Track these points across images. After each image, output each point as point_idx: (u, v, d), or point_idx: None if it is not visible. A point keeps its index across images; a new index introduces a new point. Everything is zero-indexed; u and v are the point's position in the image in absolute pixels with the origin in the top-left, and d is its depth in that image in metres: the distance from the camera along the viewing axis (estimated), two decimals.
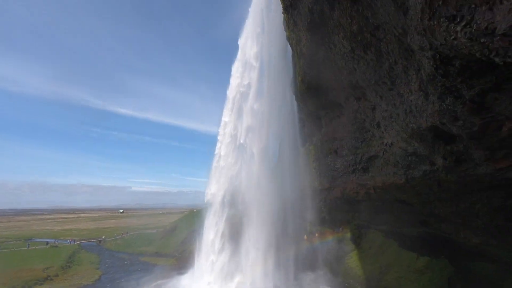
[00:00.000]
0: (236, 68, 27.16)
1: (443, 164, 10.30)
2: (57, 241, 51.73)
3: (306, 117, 22.79)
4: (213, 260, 22.25)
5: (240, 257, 21.68)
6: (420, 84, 8.06)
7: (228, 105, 26.93)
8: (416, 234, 19.66)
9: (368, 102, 12.73)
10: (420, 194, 14.02)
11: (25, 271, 26.54)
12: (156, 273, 26.51)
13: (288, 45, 19.43)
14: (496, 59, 5.11)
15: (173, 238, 44.25)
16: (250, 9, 27.63)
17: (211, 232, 23.55)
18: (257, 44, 25.67)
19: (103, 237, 59.56)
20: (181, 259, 31.91)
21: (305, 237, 25.48)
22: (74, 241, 53.82)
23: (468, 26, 4.95)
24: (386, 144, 13.14)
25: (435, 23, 5.64)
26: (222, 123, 27.04)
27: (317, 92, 17.59)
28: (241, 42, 27.81)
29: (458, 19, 5.10)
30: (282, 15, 17.16)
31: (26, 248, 41.93)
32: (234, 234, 22.67)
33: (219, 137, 26.92)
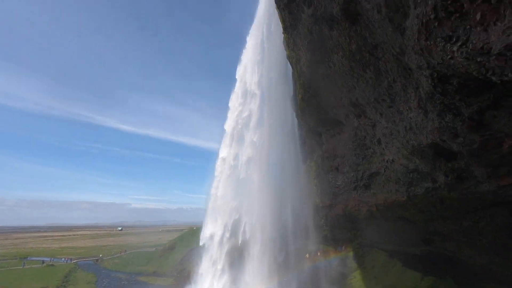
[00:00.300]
0: (234, 101, 26.59)
1: (445, 181, 10.24)
2: (53, 260, 50.70)
3: (306, 134, 22.90)
4: (214, 282, 21.70)
5: (243, 277, 21.17)
6: (419, 102, 8.15)
7: (226, 141, 26.00)
8: (420, 253, 19.22)
9: (368, 119, 12.82)
10: (423, 211, 13.84)
11: None
12: None
13: (288, 63, 19.83)
14: (493, 78, 5.21)
15: (172, 256, 43.42)
16: (248, 38, 27.56)
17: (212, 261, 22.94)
18: (257, 72, 25.35)
19: (101, 255, 58.42)
20: (179, 279, 31.18)
21: (307, 255, 24.96)
22: (71, 259, 52.74)
23: (464, 46, 5.08)
24: (387, 161, 13.12)
25: (431, 43, 5.79)
26: (220, 159, 26.02)
27: (317, 110, 17.77)
28: (239, 73, 27.31)
29: (454, 39, 5.24)
30: (282, 36, 17.60)
31: (21, 267, 41.01)
32: (236, 256, 22.23)
33: (216, 173, 25.85)
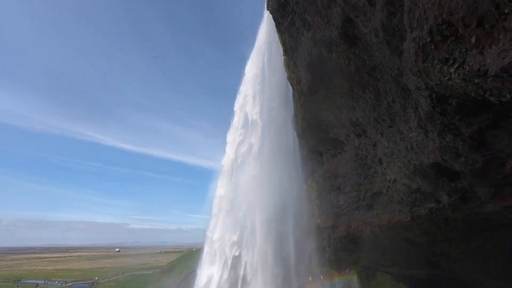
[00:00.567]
0: (233, 134, 25.97)
1: (448, 201, 10.10)
2: (47, 283, 49.22)
3: (307, 153, 22.88)
4: None
5: None
6: (419, 122, 8.22)
7: (224, 177, 25.03)
8: (426, 277, 18.59)
9: (369, 139, 12.86)
10: (428, 233, 13.55)
11: None
12: None
13: (289, 85, 20.17)
14: (491, 99, 5.28)
15: (170, 279, 42.11)
16: (246, 69, 27.45)
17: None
18: (259, 101, 24.77)
19: (96, 278, 56.74)
20: None
21: (310, 279, 24.15)
22: (66, 282, 51.17)
23: (461, 68, 5.19)
24: (389, 181, 13.01)
25: (429, 65, 5.92)
26: (217, 196, 25.03)
27: (318, 129, 17.87)
28: (237, 105, 26.73)
29: (451, 62, 5.37)
30: (283, 59, 17.95)
31: None
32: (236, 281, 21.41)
33: (213, 211, 24.69)
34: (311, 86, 14.81)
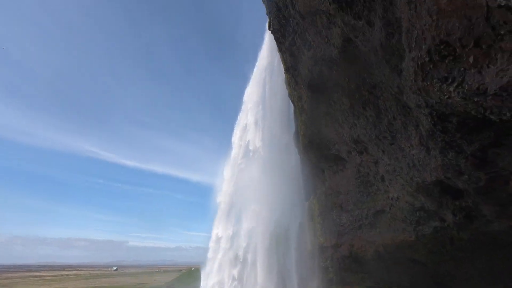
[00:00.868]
0: (231, 170, 24.96)
1: (453, 220, 9.92)
2: None
3: (309, 170, 22.76)
4: None
5: None
6: (420, 139, 8.22)
7: (221, 217, 23.76)
8: None
9: (370, 156, 12.83)
10: (433, 252, 13.22)
11: None
12: None
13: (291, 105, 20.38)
14: (492, 117, 5.30)
15: None
16: (244, 98, 27.03)
17: None
18: (261, 128, 24.04)
19: None
20: None
21: None
22: None
23: (460, 86, 5.25)
24: (392, 199, 12.86)
25: (428, 83, 6.00)
26: (213, 238, 23.63)
27: (319, 146, 17.88)
28: (236, 137, 25.78)
29: (450, 80, 5.44)
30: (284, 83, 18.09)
31: None
32: None
33: (209, 254, 23.08)
34: (311, 103, 14.96)
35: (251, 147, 24.22)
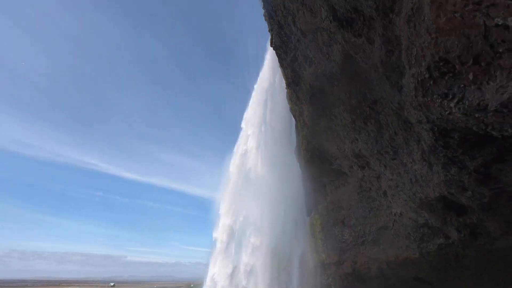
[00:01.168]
0: (228, 204, 23.83)
1: (458, 237, 9.74)
2: None
3: (310, 185, 22.61)
4: None
5: None
6: (422, 154, 8.20)
7: (218, 255, 22.57)
8: None
9: (372, 170, 12.78)
10: (438, 270, 12.89)
11: None
12: None
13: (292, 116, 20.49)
14: (493, 133, 5.31)
15: None
16: (242, 124, 26.53)
17: None
18: (263, 152, 22.86)
19: None
20: None
21: None
22: None
23: (461, 102, 5.29)
24: (395, 214, 12.69)
25: (428, 99, 6.05)
26: (209, 279, 22.42)
27: (321, 160, 17.84)
28: (234, 165, 24.66)
29: (450, 97, 5.49)
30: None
31: None
32: None
33: None
34: (313, 118, 15.05)
35: (252, 176, 23.20)
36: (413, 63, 6.02)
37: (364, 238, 16.38)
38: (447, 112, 5.72)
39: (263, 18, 16.37)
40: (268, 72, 25.41)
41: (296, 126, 21.54)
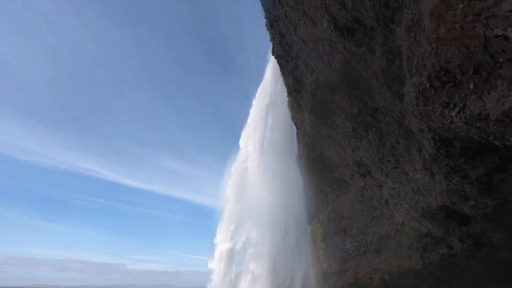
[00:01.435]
0: (226, 232, 23.36)
1: (461, 247, 9.62)
2: None
3: (312, 192, 22.49)
4: None
5: None
6: (424, 163, 8.17)
7: (220, 259, 22.40)
8: None
9: (374, 179, 12.71)
10: (441, 281, 12.70)
11: None
12: None
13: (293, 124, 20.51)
14: (495, 142, 5.30)
15: None
16: (240, 142, 26.42)
17: None
18: (265, 176, 22.31)
19: None
20: None
21: None
22: None
23: (462, 112, 5.30)
24: (397, 224, 12.56)
25: (430, 108, 6.06)
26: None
27: (322, 168, 17.78)
28: (229, 192, 24.41)
29: (452, 106, 5.50)
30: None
31: None
32: None
33: None
34: (314, 126, 15.07)
35: (252, 198, 22.58)
36: (414, 72, 6.06)
37: (366, 248, 16.19)
38: (448, 121, 5.72)
39: (265, 27, 16.56)
40: (269, 86, 25.29)
41: (298, 134, 21.55)
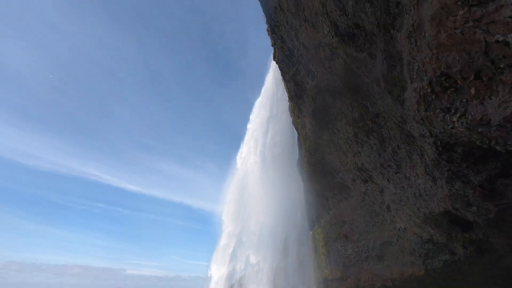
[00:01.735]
0: (223, 257, 23.00)
1: (464, 253, 9.52)
2: None
3: (313, 198, 22.38)
4: None
5: None
6: (426, 169, 8.14)
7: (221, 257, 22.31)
8: None
9: (375, 184, 12.65)
10: None
11: None
12: None
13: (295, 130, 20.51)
14: (497, 147, 5.28)
15: None
16: (237, 162, 26.28)
17: None
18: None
19: None
20: None
21: None
22: None
23: (464, 117, 5.30)
24: (399, 229, 12.47)
25: (431, 113, 6.06)
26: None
27: (323, 173, 17.73)
28: (227, 217, 24.01)
29: (453, 111, 5.50)
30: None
31: None
32: None
33: None
34: (315, 131, 15.07)
35: (253, 228, 22.10)
36: (415, 77, 6.07)
37: (368, 254, 16.05)
38: (450, 126, 5.71)
39: (267, 33, 16.67)
40: (268, 100, 25.10)
41: (299, 139, 21.54)
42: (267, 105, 25.10)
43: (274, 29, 14.40)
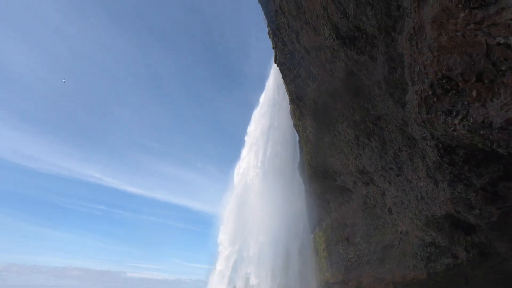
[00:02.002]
0: (222, 268, 22.92)
1: (466, 257, 9.45)
2: None
3: (314, 201, 22.34)
4: None
5: None
6: (428, 171, 8.11)
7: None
8: None
9: (376, 187, 12.62)
10: None
11: None
12: None
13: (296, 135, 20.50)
14: (500, 150, 5.26)
15: None
16: (236, 176, 26.16)
17: None
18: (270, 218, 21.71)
19: None
20: None
21: None
22: None
23: (465, 119, 5.28)
24: (401, 232, 12.41)
25: (432, 116, 6.05)
26: None
27: (324, 176, 17.70)
28: (223, 239, 23.80)
29: (454, 113, 5.49)
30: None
31: None
32: None
33: None
34: (316, 133, 15.07)
35: (253, 249, 21.87)
36: (416, 80, 6.07)
37: (370, 257, 15.96)
38: (451, 129, 5.70)
39: (268, 35, 16.75)
40: (267, 109, 25.04)
41: (300, 142, 21.53)
42: (267, 114, 24.89)
43: (275, 32, 14.45)
